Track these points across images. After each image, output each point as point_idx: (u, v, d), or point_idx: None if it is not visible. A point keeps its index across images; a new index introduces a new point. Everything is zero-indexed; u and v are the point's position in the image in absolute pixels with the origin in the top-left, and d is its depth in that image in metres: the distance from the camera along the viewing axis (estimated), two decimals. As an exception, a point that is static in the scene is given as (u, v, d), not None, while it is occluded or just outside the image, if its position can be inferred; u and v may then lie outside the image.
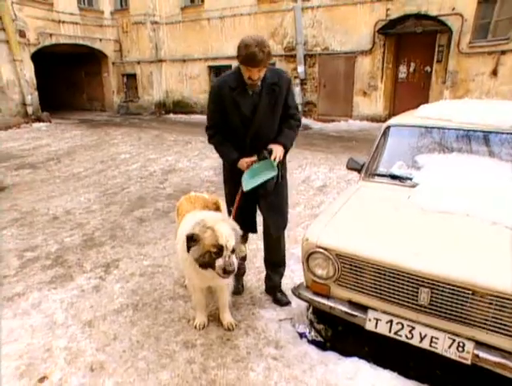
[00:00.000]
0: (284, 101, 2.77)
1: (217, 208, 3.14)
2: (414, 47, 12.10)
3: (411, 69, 12.49)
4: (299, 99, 13.58)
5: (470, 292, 2.06)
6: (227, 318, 2.92)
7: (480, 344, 2.08)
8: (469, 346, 2.08)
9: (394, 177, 3.16)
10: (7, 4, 12.70)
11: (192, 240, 2.37)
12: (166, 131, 12.79)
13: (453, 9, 10.71)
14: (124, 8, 16.38)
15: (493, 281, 2.01)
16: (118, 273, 3.79)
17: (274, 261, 3.25)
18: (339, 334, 2.79)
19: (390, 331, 2.29)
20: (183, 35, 15.91)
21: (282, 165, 2.88)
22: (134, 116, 17.08)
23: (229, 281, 2.83)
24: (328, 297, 2.57)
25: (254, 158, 2.77)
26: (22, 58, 13.49)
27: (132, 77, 17.37)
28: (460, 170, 2.90)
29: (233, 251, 2.38)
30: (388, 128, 3.54)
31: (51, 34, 14.34)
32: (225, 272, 2.32)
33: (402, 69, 12.72)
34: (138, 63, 16.81)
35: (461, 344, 2.10)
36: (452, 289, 2.10)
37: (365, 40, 12.31)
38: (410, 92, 12.31)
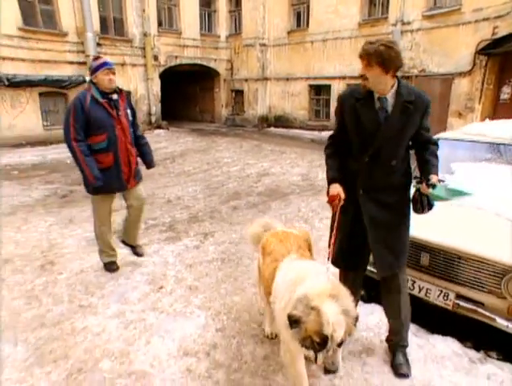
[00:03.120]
0: (419, 124, 2.41)
1: (309, 245, 2.84)
2: (522, 67, 11.77)
3: (516, 90, 12.16)
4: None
5: (457, 256, 2.82)
6: None
7: (460, 296, 2.81)
8: (452, 296, 2.83)
9: (431, 179, 3.90)
10: (150, 38, 15.69)
11: (293, 321, 1.92)
12: (265, 142, 14.20)
13: None
14: (237, 33, 18.46)
15: (473, 248, 2.74)
16: (213, 239, 5.03)
17: (393, 321, 2.73)
18: (370, 296, 3.63)
19: (398, 284, 3.09)
20: (288, 56, 17.36)
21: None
22: (238, 127, 18.93)
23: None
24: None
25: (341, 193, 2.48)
26: (153, 77, 16.20)
27: (240, 93, 19.33)
28: (484, 174, 3.55)
29: (340, 344, 1.89)
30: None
31: (176, 57, 16.90)
32: (326, 371, 1.96)
33: (506, 90, 12.39)
34: (246, 80, 18.68)
35: (446, 294, 2.86)
36: (445, 254, 2.86)
37: (464, 61, 12.35)
38: (513, 114, 11.99)
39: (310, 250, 2.79)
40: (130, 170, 3.85)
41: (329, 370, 1.91)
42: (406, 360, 2.64)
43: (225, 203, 6.71)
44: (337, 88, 15.40)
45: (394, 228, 2.54)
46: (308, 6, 16.10)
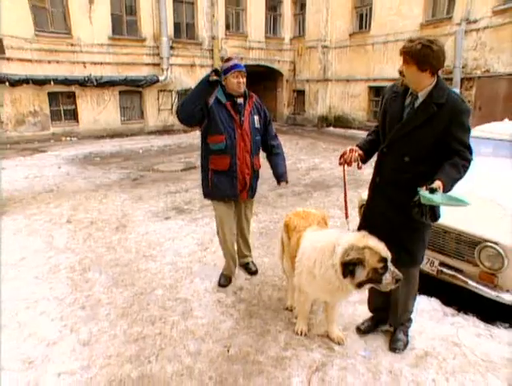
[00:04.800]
0: (446, 131, 2.32)
1: (326, 224, 3.25)
2: None
3: None
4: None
5: (442, 230, 3.37)
6: (336, 331, 2.95)
7: (443, 264, 3.36)
8: (436, 263, 3.39)
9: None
10: (218, 40, 17.02)
11: (353, 265, 2.35)
12: (320, 140, 14.78)
13: None
14: (301, 35, 19.15)
15: (454, 224, 3.29)
16: (256, 218, 5.84)
17: (394, 313, 2.93)
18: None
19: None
20: (349, 58, 17.72)
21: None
22: (298, 126, 19.61)
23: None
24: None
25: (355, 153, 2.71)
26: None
27: (301, 93, 20.00)
28: (488, 167, 4.00)
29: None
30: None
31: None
32: (397, 281, 2.37)
33: None
34: (307, 81, 19.31)
35: (432, 261, 3.42)
36: (433, 229, 3.41)
37: (538, 58, 11.90)
38: None
39: (326, 225, 3.28)
40: (244, 179, 3.57)
41: (398, 279, 2.36)
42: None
43: (272, 191, 7.51)
44: (396, 89, 15.49)
45: (398, 227, 2.57)
46: (371, 9, 16.36)
